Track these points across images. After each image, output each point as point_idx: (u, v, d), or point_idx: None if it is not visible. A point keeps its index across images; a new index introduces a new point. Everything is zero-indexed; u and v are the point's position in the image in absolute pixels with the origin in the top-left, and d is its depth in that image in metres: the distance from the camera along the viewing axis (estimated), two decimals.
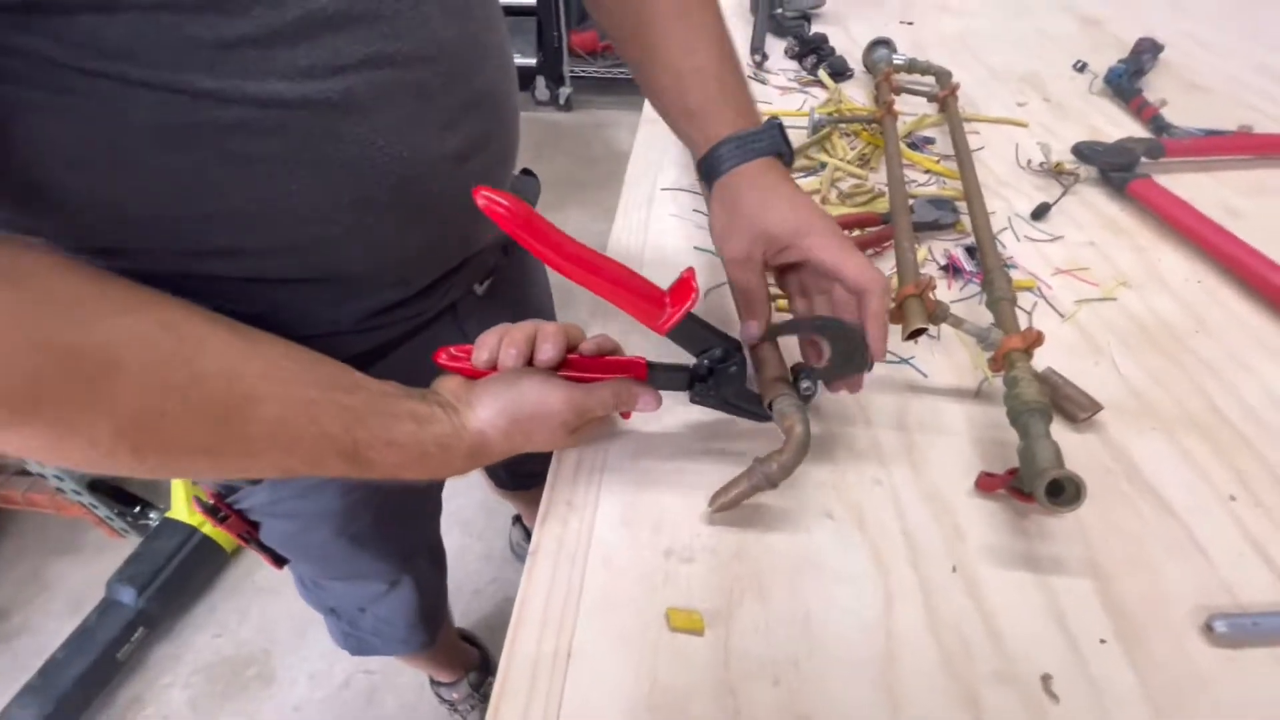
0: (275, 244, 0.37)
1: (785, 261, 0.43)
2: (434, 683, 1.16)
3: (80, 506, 1.31)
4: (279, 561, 0.62)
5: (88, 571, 1.33)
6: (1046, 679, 0.34)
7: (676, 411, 0.46)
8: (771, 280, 0.46)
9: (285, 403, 0.32)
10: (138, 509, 1.36)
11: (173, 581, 1.22)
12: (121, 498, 1.35)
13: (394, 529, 0.64)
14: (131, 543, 1.32)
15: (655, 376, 0.42)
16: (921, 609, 0.37)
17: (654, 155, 0.79)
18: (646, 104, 0.91)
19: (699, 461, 0.44)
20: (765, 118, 0.46)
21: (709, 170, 0.45)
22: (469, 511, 1.44)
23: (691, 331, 0.39)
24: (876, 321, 0.39)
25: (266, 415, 0.31)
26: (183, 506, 1.28)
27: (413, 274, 0.46)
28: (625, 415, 0.45)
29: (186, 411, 0.29)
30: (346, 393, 0.35)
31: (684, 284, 0.37)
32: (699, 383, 0.42)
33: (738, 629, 0.36)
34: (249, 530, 0.57)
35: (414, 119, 0.38)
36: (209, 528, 1.28)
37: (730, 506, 0.39)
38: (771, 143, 0.44)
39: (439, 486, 0.74)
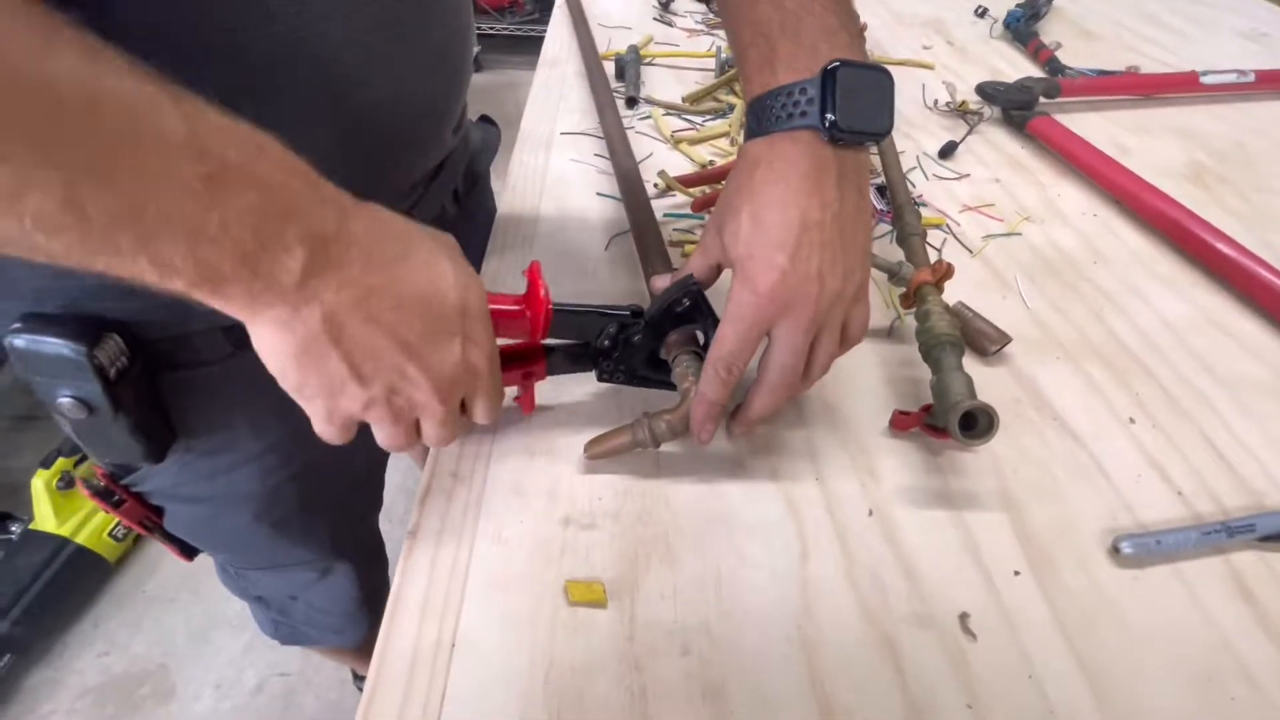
0: None
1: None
2: (357, 677, 1.10)
3: None
4: (187, 553, 0.54)
5: None
6: (964, 617, 0.32)
7: (575, 380, 0.41)
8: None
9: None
10: None
11: (43, 601, 1.09)
12: None
13: (323, 517, 0.56)
14: None
15: (554, 362, 0.38)
16: (838, 557, 0.34)
17: (553, 99, 0.72)
18: (545, 45, 0.85)
19: (601, 425, 0.40)
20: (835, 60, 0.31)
21: (748, 127, 0.34)
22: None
23: (572, 322, 0.36)
24: (700, 400, 0.34)
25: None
26: (49, 515, 1.13)
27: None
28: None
29: None
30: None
31: (532, 287, 0.35)
32: (603, 359, 0.38)
33: (643, 597, 0.32)
34: (150, 517, 0.49)
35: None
36: (85, 536, 1.15)
37: (602, 456, 0.36)
38: (805, 108, 0.31)
39: (379, 479, 0.67)
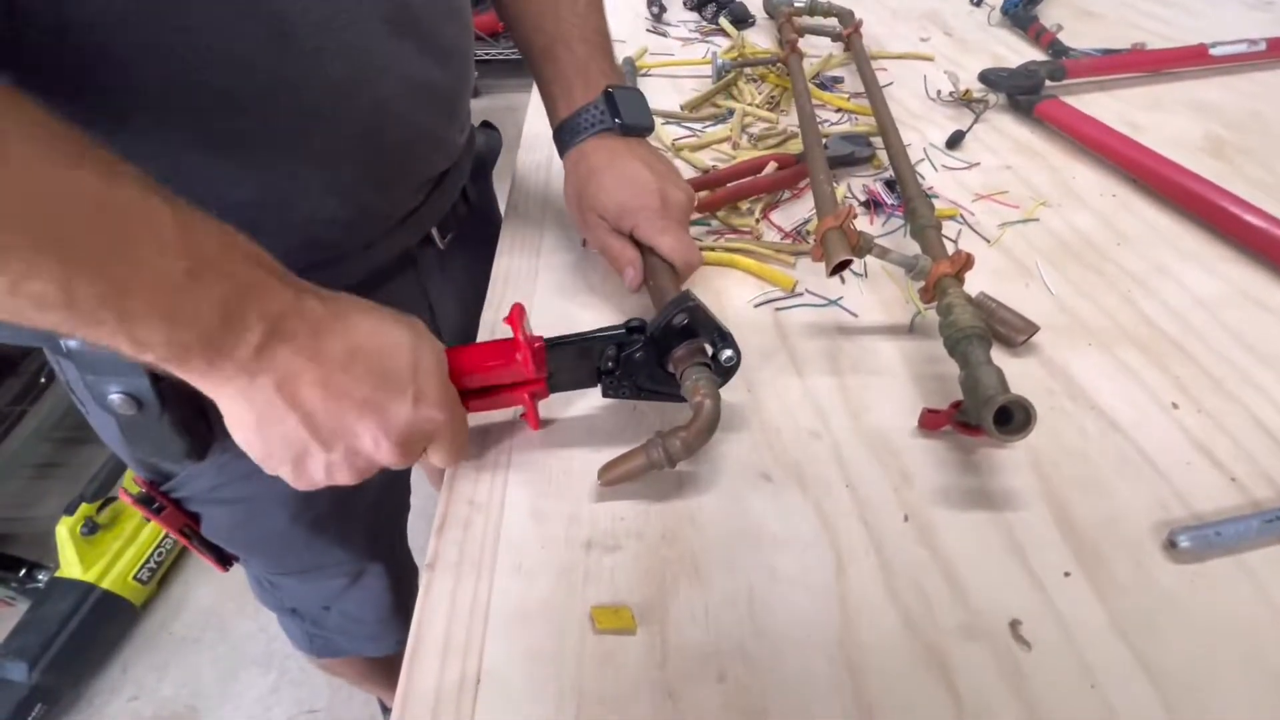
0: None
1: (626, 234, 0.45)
2: (385, 709, 1.08)
3: None
4: (224, 561, 0.55)
5: None
6: (1015, 625, 0.30)
7: (588, 392, 0.40)
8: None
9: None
10: (22, 572, 1.20)
11: (71, 648, 1.09)
12: (0, 561, 1.19)
13: (357, 516, 0.57)
14: (20, 611, 1.16)
15: (557, 381, 0.38)
16: (875, 567, 0.33)
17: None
18: None
19: (616, 442, 0.38)
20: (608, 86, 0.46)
21: (559, 146, 0.48)
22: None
23: (568, 352, 0.37)
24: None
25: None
26: (74, 562, 1.13)
27: (357, 187, 0.41)
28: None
29: None
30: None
31: (513, 333, 0.35)
32: (606, 376, 0.38)
33: (674, 621, 0.31)
34: (188, 523, 0.51)
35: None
36: (110, 581, 1.15)
37: (618, 482, 0.35)
38: (601, 117, 0.45)
39: (406, 481, 0.67)
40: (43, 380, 1.45)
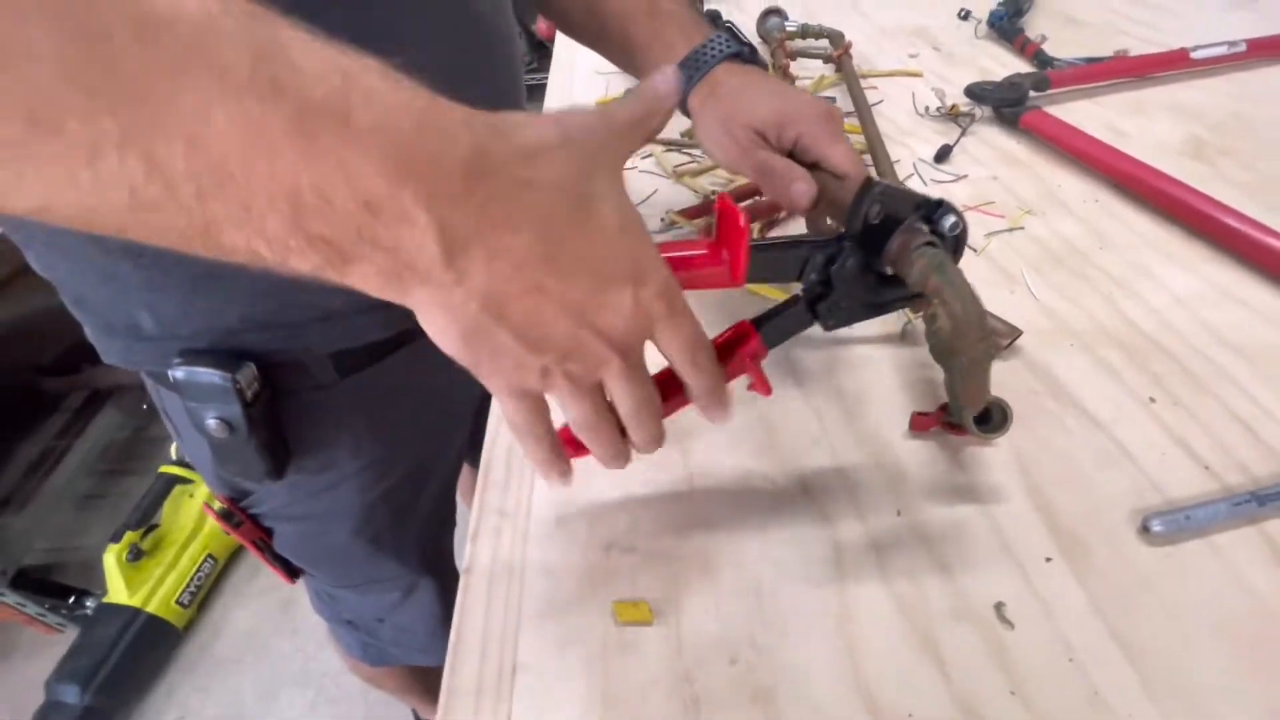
0: None
1: (781, 149, 0.41)
2: (418, 718, 1.11)
3: (6, 607, 1.21)
4: (292, 574, 0.59)
5: (23, 675, 1.23)
6: (1000, 607, 0.33)
7: None
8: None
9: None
10: (71, 599, 1.26)
11: (120, 670, 1.14)
12: (51, 590, 1.25)
13: (411, 531, 0.61)
14: (70, 637, 1.22)
15: (770, 331, 0.33)
16: (872, 560, 0.36)
17: None
18: (547, 97, 0.89)
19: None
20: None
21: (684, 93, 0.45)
22: None
23: (768, 261, 0.32)
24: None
25: None
26: (121, 588, 1.19)
27: None
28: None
29: None
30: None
31: (727, 217, 0.30)
32: (820, 303, 0.34)
33: (688, 613, 0.34)
34: (262, 537, 0.55)
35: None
36: (155, 605, 1.20)
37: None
38: (724, 45, 0.43)
39: (452, 497, 0.69)
40: (84, 415, 1.52)
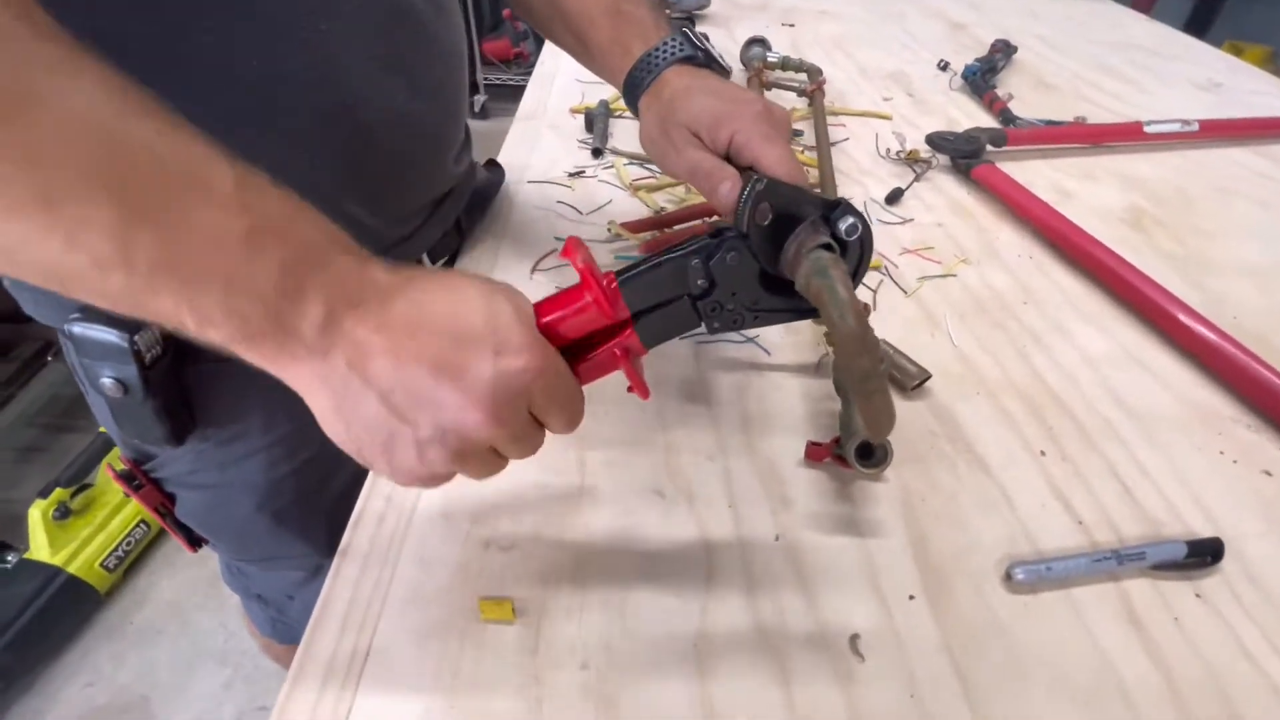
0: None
1: (716, 152, 0.40)
2: None
3: None
4: (194, 543, 0.58)
5: None
6: (854, 639, 0.34)
7: None
8: None
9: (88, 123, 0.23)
10: None
11: (32, 629, 1.11)
12: None
13: (320, 513, 0.60)
14: None
15: (647, 328, 0.31)
16: (741, 579, 0.36)
17: (524, 149, 0.77)
18: (523, 101, 0.90)
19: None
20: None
21: (630, 96, 0.45)
22: None
23: (650, 281, 0.30)
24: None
25: (54, 119, 0.22)
26: (43, 545, 1.16)
27: (346, 206, 0.44)
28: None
29: None
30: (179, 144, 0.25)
31: (580, 270, 0.29)
32: (702, 301, 0.31)
33: (551, 615, 0.34)
34: (164, 503, 0.54)
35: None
36: (77, 566, 1.17)
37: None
38: (678, 48, 0.43)
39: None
40: (32, 366, 1.49)
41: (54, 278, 0.24)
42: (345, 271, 0.27)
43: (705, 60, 0.44)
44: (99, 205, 0.22)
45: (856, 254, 0.31)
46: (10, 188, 0.22)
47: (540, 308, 0.30)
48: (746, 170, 0.38)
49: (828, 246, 0.29)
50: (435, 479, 0.29)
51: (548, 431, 0.31)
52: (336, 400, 0.27)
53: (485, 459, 0.29)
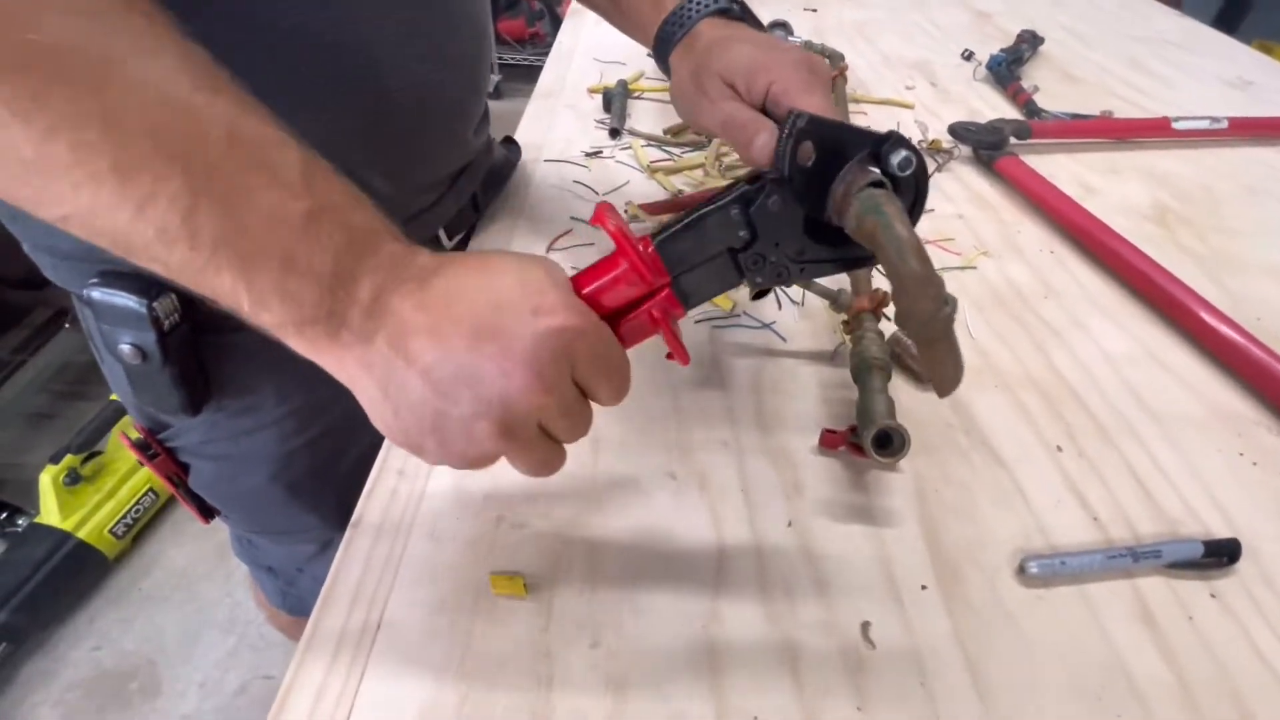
0: None
1: (753, 103, 0.38)
2: None
3: None
4: (206, 513, 0.59)
5: None
6: (866, 626, 0.34)
7: None
8: None
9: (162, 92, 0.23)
10: (4, 515, 1.24)
11: (42, 592, 1.13)
12: None
13: (332, 486, 0.60)
14: None
15: (687, 286, 0.29)
16: (753, 566, 0.36)
17: (541, 128, 0.77)
18: (541, 78, 0.89)
19: None
20: None
21: (661, 51, 0.43)
22: None
23: (689, 240, 0.28)
24: None
25: (135, 91, 0.23)
26: (54, 510, 1.18)
27: (366, 174, 0.43)
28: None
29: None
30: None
31: (616, 240, 0.28)
32: (744, 253, 0.29)
33: (563, 592, 0.34)
34: (177, 472, 0.54)
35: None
36: (86, 531, 1.19)
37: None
38: (714, 4, 0.41)
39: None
40: (46, 333, 1.50)
41: (121, 245, 0.24)
42: (393, 257, 0.27)
43: (741, 13, 0.42)
44: (169, 178, 0.23)
45: (911, 191, 0.28)
46: (91, 155, 0.22)
47: (577, 280, 0.29)
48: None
49: (879, 184, 0.27)
50: (485, 459, 0.28)
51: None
52: (382, 385, 0.27)
53: (534, 439, 0.28)
